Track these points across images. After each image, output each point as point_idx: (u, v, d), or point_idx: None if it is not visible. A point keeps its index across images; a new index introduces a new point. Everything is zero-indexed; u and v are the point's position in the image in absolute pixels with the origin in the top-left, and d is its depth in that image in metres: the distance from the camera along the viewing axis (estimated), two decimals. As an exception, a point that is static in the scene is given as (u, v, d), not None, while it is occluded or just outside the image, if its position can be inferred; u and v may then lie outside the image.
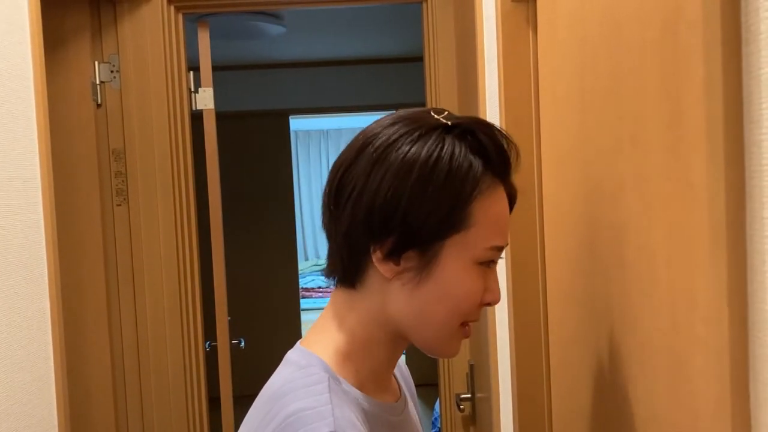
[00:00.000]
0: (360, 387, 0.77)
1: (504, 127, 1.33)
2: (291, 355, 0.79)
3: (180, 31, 1.96)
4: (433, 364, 2.22)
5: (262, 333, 4.81)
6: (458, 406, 1.95)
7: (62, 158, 1.79)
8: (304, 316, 5.37)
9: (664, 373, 0.74)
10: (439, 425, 2.50)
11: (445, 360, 2.07)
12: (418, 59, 2.22)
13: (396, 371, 0.92)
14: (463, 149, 0.74)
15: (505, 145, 0.77)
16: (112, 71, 1.91)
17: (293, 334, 5.10)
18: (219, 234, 2.12)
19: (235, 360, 2.19)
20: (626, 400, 0.87)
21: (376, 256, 0.74)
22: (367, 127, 0.79)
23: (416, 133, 0.74)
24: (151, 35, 1.91)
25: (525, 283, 1.28)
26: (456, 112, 2.22)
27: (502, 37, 1.28)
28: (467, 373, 1.98)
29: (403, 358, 0.98)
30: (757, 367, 0.52)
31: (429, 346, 0.78)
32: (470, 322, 0.78)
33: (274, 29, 3.66)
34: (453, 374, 2.05)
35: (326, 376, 0.73)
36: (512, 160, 0.78)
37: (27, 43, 1.25)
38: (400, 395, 0.86)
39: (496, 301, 0.78)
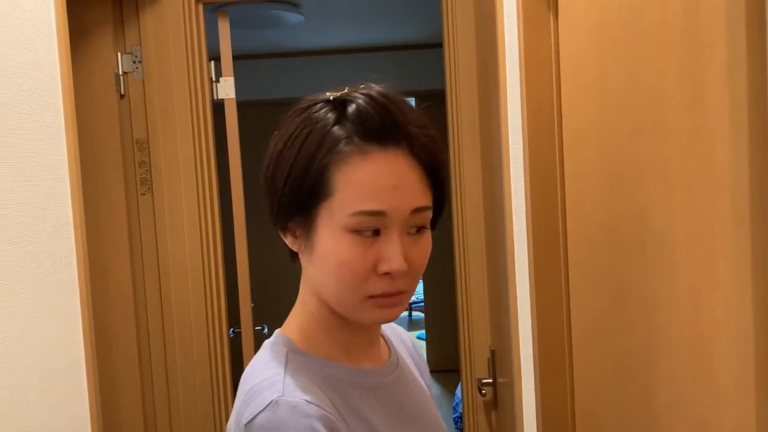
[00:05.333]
0: (328, 357, 0.80)
1: (525, 113, 1.33)
2: (267, 340, 0.84)
3: (200, 21, 1.97)
4: (455, 349, 2.23)
5: (284, 319, 4.85)
6: (480, 391, 1.96)
7: (87, 148, 1.82)
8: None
9: (686, 354, 0.75)
10: (460, 410, 2.52)
11: (467, 346, 2.08)
12: (437, 45, 2.22)
13: (395, 340, 0.94)
14: (329, 117, 0.75)
15: (382, 112, 0.74)
16: (134, 62, 1.93)
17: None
18: (241, 222, 2.14)
19: (258, 346, 2.22)
20: (649, 381, 0.87)
21: (278, 229, 0.79)
22: None
23: (297, 112, 0.78)
24: (172, 26, 1.93)
25: (547, 267, 1.29)
26: (475, 98, 2.17)
27: (523, 22, 1.27)
28: (488, 359, 1.99)
29: (403, 331, 1.00)
30: (780, 347, 0.52)
31: (345, 314, 0.79)
32: (382, 296, 0.75)
33: (292, 18, 3.66)
34: (474, 359, 2.06)
35: (286, 350, 0.79)
36: (396, 123, 0.74)
37: (53, 36, 1.27)
38: (388, 360, 0.88)
39: (394, 269, 0.73)
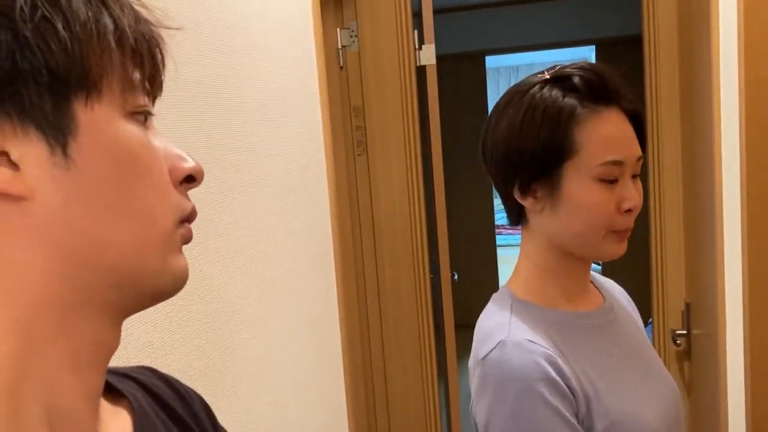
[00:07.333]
0: (548, 303, 0.93)
1: (743, 61, 1.31)
2: (494, 294, 1.01)
3: (408, -6, 2.15)
4: (647, 302, 2.29)
5: (467, 267, 5.04)
6: (674, 341, 2.03)
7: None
8: (499, 251, 5.56)
9: None
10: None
11: (659, 298, 2.13)
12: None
13: (613, 292, 1.07)
14: (556, 92, 0.89)
15: (601, 79, 0.88)
16: (351, 36, 2.15)
17: (492, 268, 5.36)
18: (440, 181, 2.31)
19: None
20: None
21: (516, 195, 0.92)
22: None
23: (519, 94, 0.91)
24: (382, 0, 2.12)
25: (761, 224, 1.30)
26: (675, 42, 2.08)
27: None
28: (683, 311, 2.03)
29: (617, 286, 1.11)
30: None
31: (586, 254, 0.93)
32: (620, 230, 0.89)
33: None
34: (668, 311, 2.12)
35: (510, 300, 0.93)
36: (613, 86, 0.89)
37: (310, 29, 1.50)
38: (602, 305, 1.00)
39: (633, 206, 0.88)
